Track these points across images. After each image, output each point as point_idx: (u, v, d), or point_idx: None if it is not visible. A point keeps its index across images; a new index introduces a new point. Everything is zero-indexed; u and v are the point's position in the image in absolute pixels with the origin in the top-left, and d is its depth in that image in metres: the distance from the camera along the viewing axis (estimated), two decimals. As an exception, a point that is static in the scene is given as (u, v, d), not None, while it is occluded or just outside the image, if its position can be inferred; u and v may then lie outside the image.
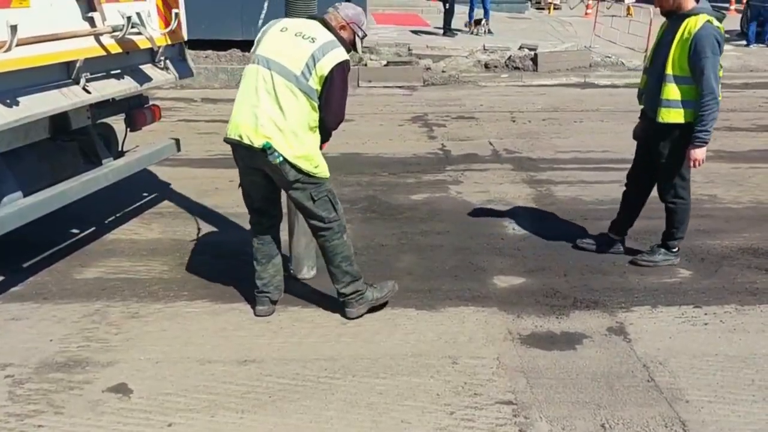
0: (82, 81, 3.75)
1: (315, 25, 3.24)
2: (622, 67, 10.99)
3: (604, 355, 3.16)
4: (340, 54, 3.17)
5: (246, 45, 10.70)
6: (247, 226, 4.80)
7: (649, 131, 3.91)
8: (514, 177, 5.88)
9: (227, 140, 3.29)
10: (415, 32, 13.36)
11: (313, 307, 3.61)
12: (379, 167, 6.11)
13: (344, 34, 3.29)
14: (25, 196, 3.63)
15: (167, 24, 4.41)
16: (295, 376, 3.02)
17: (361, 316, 3.47)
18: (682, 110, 3.68)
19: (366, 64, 10.45)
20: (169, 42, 4.47)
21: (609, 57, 11.40)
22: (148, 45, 4.21)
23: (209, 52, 10.50)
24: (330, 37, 3.20)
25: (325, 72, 3.12)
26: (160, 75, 4.48)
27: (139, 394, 2.90)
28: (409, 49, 11.44)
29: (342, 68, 3.16)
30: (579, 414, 2.74)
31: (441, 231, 4.64)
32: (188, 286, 3.85)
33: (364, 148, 6.76)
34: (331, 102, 3.20)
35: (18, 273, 3.98)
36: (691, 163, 3.73)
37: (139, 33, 4.07)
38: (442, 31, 13.17)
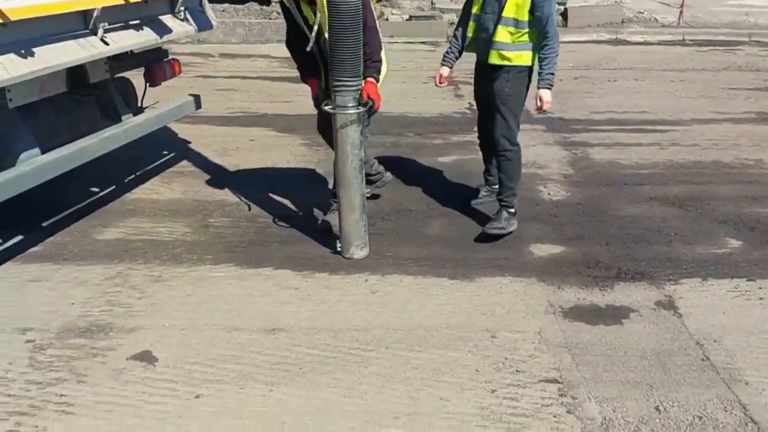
0: (100, 31, 3.56)
1: None
2: (655, 24, 10.55)
3: (654, 330, 2.98)
4: None
5: (264, -2, 10.38)
6: (271, 186, 4.64)
7: (483, 78, 3.85)
8: (547, 139, 5.63)
9: None
10: (438, -14, 12.88)
11: (341, 274, 3.45)
12: (404, 127, 5.88)
13: None
14: (42, 153, 3.48)
15: (187, -29, 4.17)
16: (326, 346, 2.88)
17: None
18: (516, 52, 3.64)
19: (387, 19, 10.08)
20: (189, -9, 4.24)
21: (642, 12, 10.94)
22: (168, -7, 3.98)
23: (226, 6, 10.18)
24: None
25: None
26: (179, 26, 4.26)
27: (165, 362, 2.77)
28: (432, 3, 11.04)
29: None
30: (630, 395, 2.57)
31: (472, 196, 4.44)
32: (212, 249, 3.71)
33: (387, 106, 6.38)
34: None
35: (36, 232, 3.85)
36: (538, 104, 3.65)
37: (159, -20, 3.84)
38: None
